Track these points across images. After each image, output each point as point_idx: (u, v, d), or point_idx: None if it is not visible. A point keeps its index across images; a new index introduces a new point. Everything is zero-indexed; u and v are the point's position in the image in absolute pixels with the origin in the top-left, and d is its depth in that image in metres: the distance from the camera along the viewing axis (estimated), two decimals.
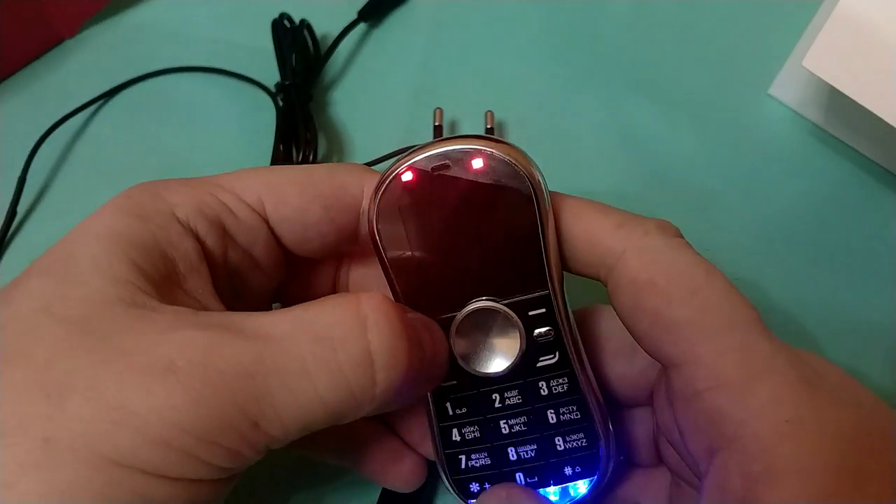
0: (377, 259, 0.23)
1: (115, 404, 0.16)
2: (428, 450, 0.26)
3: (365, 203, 0.23)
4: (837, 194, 0.37)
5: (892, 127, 0.31)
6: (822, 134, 0.39)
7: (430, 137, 0.37)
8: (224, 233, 0.22)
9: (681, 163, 0.38)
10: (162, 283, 0.19)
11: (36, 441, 0.16)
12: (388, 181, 0.23)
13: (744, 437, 0.18)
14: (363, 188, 0.23)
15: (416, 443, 0.26)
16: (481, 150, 0.22)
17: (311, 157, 0.36)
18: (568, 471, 0.24)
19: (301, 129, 0.36)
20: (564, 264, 0.23)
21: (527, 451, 0.24)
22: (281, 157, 0.36)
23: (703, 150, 0.38)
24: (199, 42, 0.42)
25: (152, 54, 0.41)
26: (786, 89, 0.39)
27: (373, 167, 0.35)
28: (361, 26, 0.42)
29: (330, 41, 0.41)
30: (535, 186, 0.22)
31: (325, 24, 0.41)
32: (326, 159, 0.38)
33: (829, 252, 0.35)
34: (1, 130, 0.38)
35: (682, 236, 0.22)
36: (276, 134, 0.37)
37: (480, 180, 0.22)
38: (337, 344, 0.18)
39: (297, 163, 0.36)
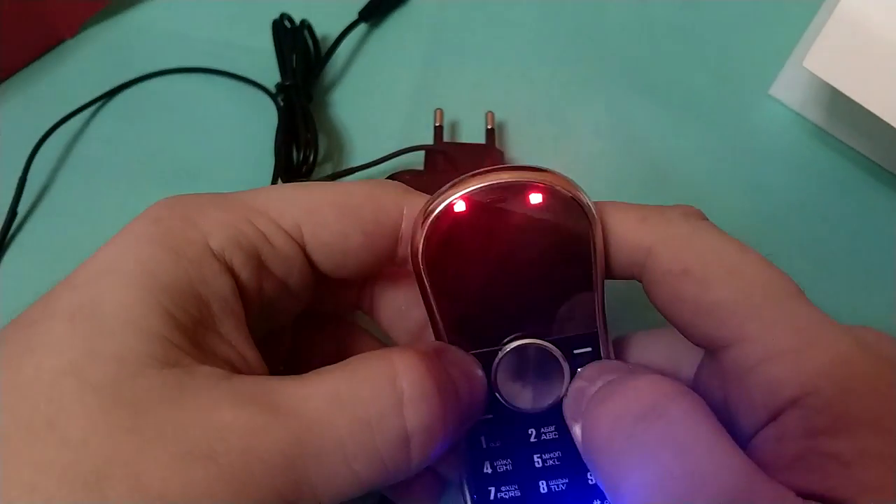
0: (416, 285, 0.22)
1: (155, 494, 0.16)
2: (446, 469, 0.25)
3: (405, 225, 0.22)
4: (838, 195, 0.37)
5: (892, 127, 0.31)
6: (823, 134, 0.39)
7: (430, 138, 0.37)
8: (260, 264, 0.21)
9: (681, 163, 0.38)
10: (195, 331, 0.19)
11: None
12: (438, 209, 0.21)
13: (806, 395, 0.18)
14: (403, 210, 0.22)
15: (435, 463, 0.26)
16: (541, 184, 0.21)
17: (311, 158, 0.36)
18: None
19: (301, 130, 0.36)
20: None
21: (558, 485, 0.23)
22: (282, 157, 0.36)
23: (703, 151, 0.38)
24: (199, 43, 0.42)
25: (152, 55, 0.41)
26: (786, 90, 0.39)
27: (375, 166, 0.35)
28: (362, 27, 0.42)
29: (330, 42, 0.41)
30: (593, 225, 0.21)
31: (326, 25, 0.41)
32: (327, 159, 0.38)
33: (829, 252, 0.35)
34: (1, 131, 0.38)
35: (706, 218, 0.22)
36: (276, 134, 0.37)
37: (537, 216, 0.21)
38: (374, 425, 0.18)
39: (298, 163, 0.36)
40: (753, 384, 0.19)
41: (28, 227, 0.36)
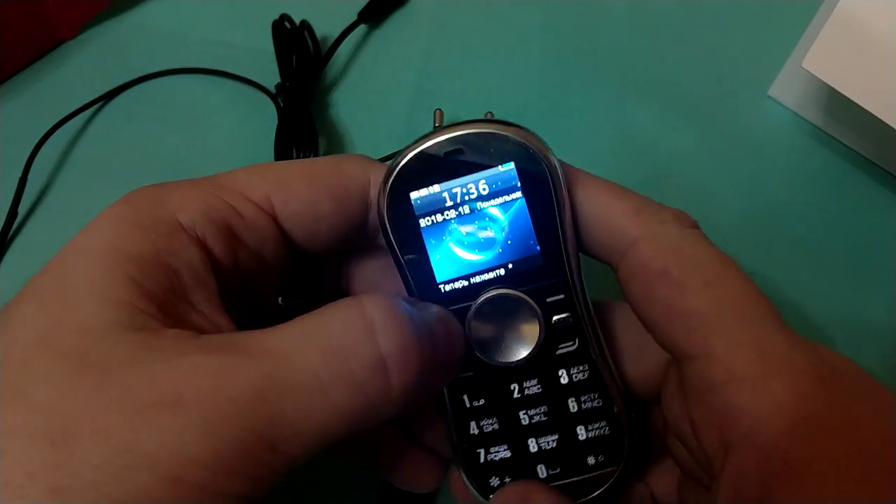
0: (387, 249, 0.23)
1: (124, 446, 0.16)
2: (445, 450, 0.25)
3: (374, 191, 0.23)
4: (836, 195, 0.37)
5: (891, 127, 0.31)
6: (822, 135, 0.39)
7: None
8: (232, 236, 0.21)
9: (680, 163, 0.38)
10: (165, 299, 0.19)
11: (44, 491, 0.15)
12: (398, 167, 0.22)
13: (760, 433, 0.18)
14: (370, 177, 0.23)
15: (432, 443, 0.26)
16: (496, 133, 0.22)
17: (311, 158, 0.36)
18: (591, 461, 0.23)
19: (301, 130, 0.36)
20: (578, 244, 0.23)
21: (548, 442, 0.23)
22: (282, 157, 0.36)
23: (702, 152, 0.38)
24: (199, 43, 0.42)
25: (152, 56, 0.41)
26: (785, 90, 0.39)
27: None
28: (361, 27, 0.42)
29: (330, 42, 0.41)
30: (551, 170, 0.22)
31: (326, 26, 0.41)
32: None
33: (828, 252, 0.35)
34: (1, 131, 0.38)
35: (698, 227, 0.22)
36: (276, 135, 0.37)
37: (495, 164, 0.22)
38: (348, 352, 0.18)
39: None
40: (712, 404, 0.19)
41: (28, 227, 0.36)
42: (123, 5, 0.43)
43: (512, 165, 0.22)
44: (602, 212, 0.22)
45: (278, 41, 0.40)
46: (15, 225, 0.35)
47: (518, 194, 0.22)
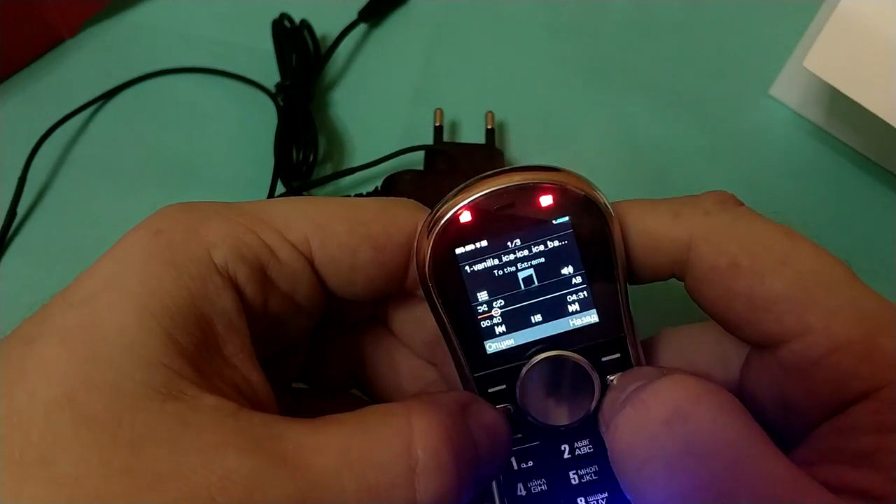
0: (430, 308, 0.21)
1: None
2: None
3: (416, 244, 0.21)
4: (837, 195, 0.37)
5: (892, 127, 0.31)
6: (823, 134, 0.39)
7: (430, 138, 0.37)
8: (265, 278, 0.20)
9: (681, 163, 0.38)
10: (198, 355, 0.17)
11: None
12: (443, 220, 0.20)
13: (878, 388, 0.17)
14: (416, 226, 0.21)
15: None
16: (551, 184, 0.20)
17: (311, 158, 0.36)
18: None
19: (301, 130, 0.36)
20: (631, 277, 0.21)
21: (597, 500, 0.22)
22: (281, 157, 0.35)
23: (703, 151, 0.38)
24: (199, 43, 0.41)
25: (152, 55, 0.41)
26: (786, 90, 0.39)
27: (375, 166, 0.35)
28: (361, 26, 0.42)
29: (330, 41, 0.41)
30: (611, 223, 0.20)
31: (325, 25, 0.41)
32: (326, 159, 0.38)
33: (828, 251, 0.35)
34: (1, 130, 0.38)
35: (742, 204, 0.21)
36: (276, 134, 0.36)
37: (550, 219, 0.20)
38: (383, 493, 0.17)
39: (297, 163, 0.36)
40: (819, 378, 0.18)
41: (28, 227, 0.36)
42: (122, 5, 0.43)
43: (567, 220, 0.20)
44: (643, 233, 0.20)
45: (278, 40, 0.40)
46: (14, 224, 0.35)
47: (573, 250, 0.20)
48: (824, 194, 0.37)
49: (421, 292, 0.21)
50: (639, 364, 0.21)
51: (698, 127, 0.39)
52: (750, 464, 0.16)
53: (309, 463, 0.17)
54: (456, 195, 0.20)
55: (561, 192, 0.20)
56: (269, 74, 0.39)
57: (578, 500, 0.22)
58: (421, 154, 0.36)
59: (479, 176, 0.20)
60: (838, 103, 0.35)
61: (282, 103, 0.38)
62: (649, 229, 0.20)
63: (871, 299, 0.18)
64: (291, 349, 0.24)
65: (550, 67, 0.41)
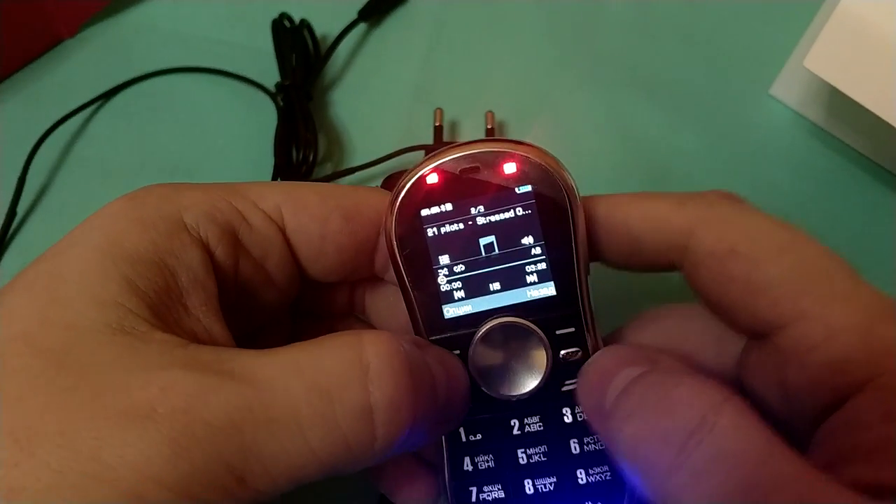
0: (393, 272, 0.22)
1: (87, 454, 0.15)
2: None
3: (386, 210, 0.22)
4: (837, 194, 0.37)
5: (891, 127, 0.31)
6: (823, 134, 0.38)
7: (430, 138, 0.37)
8: (236, 242, 0.21)
9: (682, 162, 0.38)
10: (159, 301, 0.18)
11: (0, 490, 0.15)
12: (411, 182, 0.21)
13: (878, 376, 0.17)
14: (387, 205, 0.22)
15: (432, 458, 0.24)
16: (515, 153, 0.21)
17: (311, 158, 0.36)
18: None
19: (301, 130, 0.36)
20: (628, 261, 0.22)
21: (545, 485, 0.22)
22: (281, 157, 0.35)
23: (703, 150, 0.38)
24: (198, 42, 0.41)
25: (152, 54, 0.41)
26: (786, 89, 0.39)
27: (375, 166, 0.35)
28: (361, 26, 0.42)
29: (330, 41, 0.41)
30: (571, 197, 0.21)
31: (325, 24, 0.41)
32: (326, 159, 0.38)
33: None
34: (1, 130, 0.38)
35: (746, 201, 0.21)
36: (275, 134, 0.36)
37: (512, 187, 0.21)
38: (334, 395, 0.17)
39: (297, 163, 0.36)
40: (817, 364, 0.18)
41: (28, 226, 0.36)
42: (123, 4, 0.43)
43: (530, 189, 0.21)
44: (646, 219, 0.21)
45: (278, 40, 0.40)
46: (14, 224, 0.35)
47: (534, 221, 0.21)
48: (824, 194, 0.37)
49: (392, 274, 0.22)
50: (595, 343, 0.21)
51: (698, 126, 0.39)
52: (777, 468, 0.16)
53: (256, 376, 0.17)
54: (424, 160, 0.21)
55: (524, 162, 0.21)
56: (269, 74, 0.39)
57: (525, 482, 0.22)
58: (421, 154, 0.36)
59: (450, 145, 0.21)
60: (838, 103, 0.35)
61: (282, 103, 0.38)
62: (654, 215, 0.21)
63: (869, 290, 0.19)
64: (270, 334, 0.24)
65: (550, 67, 0.41)
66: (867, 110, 0.31)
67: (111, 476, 0.15)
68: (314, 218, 0.22)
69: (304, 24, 0.40)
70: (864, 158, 0.38)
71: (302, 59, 0.39)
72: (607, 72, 0.41)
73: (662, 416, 0.18)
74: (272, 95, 0.39)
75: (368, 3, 0.42)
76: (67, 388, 0.16)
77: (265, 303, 0.23)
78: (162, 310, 0.18)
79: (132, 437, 0.15)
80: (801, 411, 0.19)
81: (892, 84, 0.31)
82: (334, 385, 0.17)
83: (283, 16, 0.40)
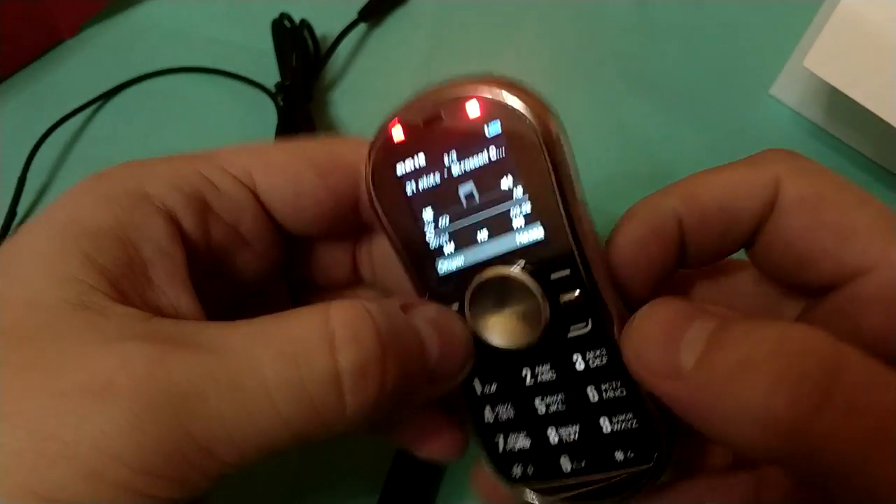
0: (385, 235, 0.21)
1: (44, 433, 0.15)
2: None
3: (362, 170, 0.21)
4: None
5: (892, 126, 0.31)
6: (823, 134, 0.38)
7: None
8: (205, 208, 0.20)
9: (682, 162, 0.38)
10: (120, 274, 0.18)
11: None
12: (379, 141, 0.20)
13: None
14: (362, 154, 0.21)
15: (460, 414, 0.23)
16: (474, 94, 0.19)
17: None
18: (619, 456, 0.21)
19: (301, 130, 0.36)
20: (721, 243, 0.21)
21: (569, 434, 0.21)
22: None
23: (703, 150, 0.38)
24: (199, 42, 0.41)
25: (152, 55, 0.41)
26: (787, 89, 0.39)
27: None
28: (361, 26, 0.42)
29: (330, 41, 0.41)
30: (543, 129, 0.19)
31: (325, 25, 0.41)
32: None
33: None
34: (1, 130, 0.38)
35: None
36: (276, 134, 0.36)
37: (480, 129, 0.19)
38: (301, 361, 0.17)
39: None
40: None
41: None
42: (123, 4, 0.43)
43: (499, 129, 0.19)
44: (727, 185, 0.21)
45: (278, 40, 0.40)
46: (14, 224, 0.35)
47: (509, 161, 0.19)
48: None
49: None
50: (605, 285, 0.20)
51: (699, 126, 0.39)
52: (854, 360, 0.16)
53: (219, 345, 0.16)
54: (393, 113, 0.20)
55: (485, 101, 0.19)
56: (269, 74, 0.39)
57: (549, 430, 0.21)
58: None
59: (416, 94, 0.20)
60: (838, 103, 0.35)
61: (282, 103, 0.38)
62: (730, 183, 0.21)
63: None
64: (267, 312, 0.24)
65: (550, 67, 0.41)
66: (867, 110, 0.31)
67: (69, 454, 0.15)
68: (286, 177, 0.21)
69: (304, 25, 0.40)
70: (864, 158, 0.38)
71: (302, 60, 0.39)
72: (607, 72, 0.41)
73: (782, 369, 0.16)
74: (272, 95, 0.39)
75: (368, 3, 0.42)
76: (25, 365, 0.15)
77: (246, 268, 0.22)
78: (124, 284, 0.18)
79: (90, 412, 0.15)
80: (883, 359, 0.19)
81: (892, 84, 0.31)
82: (300, 351, 0.17)
83: (284, 16, 0.40)
